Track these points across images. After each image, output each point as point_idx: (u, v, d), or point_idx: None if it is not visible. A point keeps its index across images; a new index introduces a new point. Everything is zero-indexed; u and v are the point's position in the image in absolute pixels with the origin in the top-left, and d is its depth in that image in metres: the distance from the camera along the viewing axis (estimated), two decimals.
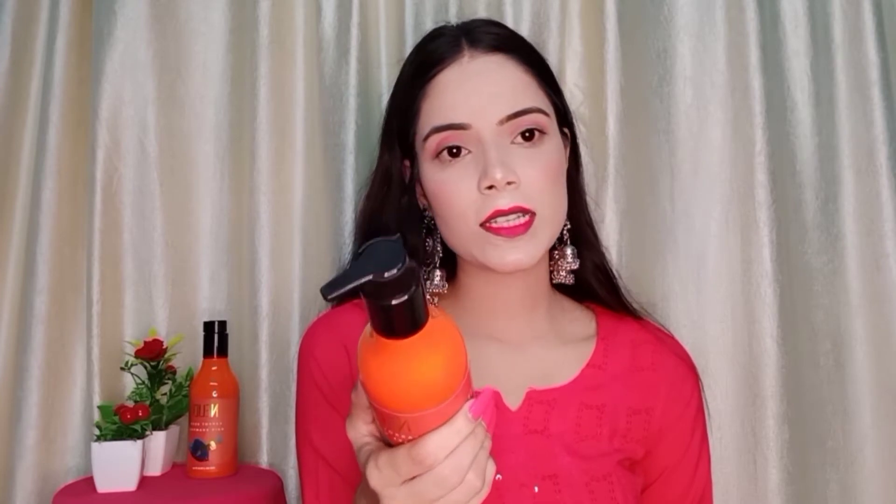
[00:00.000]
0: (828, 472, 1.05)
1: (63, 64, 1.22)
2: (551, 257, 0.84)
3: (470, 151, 0.75)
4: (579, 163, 0.87)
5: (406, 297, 0.44)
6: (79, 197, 1.23)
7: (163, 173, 1.25)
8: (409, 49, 1.20)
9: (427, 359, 0.48)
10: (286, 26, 1.22)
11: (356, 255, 0.46)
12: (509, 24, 1.14)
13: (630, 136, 1.15)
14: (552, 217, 0.76)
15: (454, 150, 0.75)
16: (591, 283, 0.85)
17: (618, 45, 1.15)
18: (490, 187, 0.72)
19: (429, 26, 1.21)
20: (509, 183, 0.72)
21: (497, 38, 0.79)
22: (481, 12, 1.19)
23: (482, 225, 0.73)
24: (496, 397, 0.76)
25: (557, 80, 0.84)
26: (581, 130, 1.15)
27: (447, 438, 0.50)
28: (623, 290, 0.88)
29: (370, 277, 0.43)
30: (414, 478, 0.50)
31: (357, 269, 0.43)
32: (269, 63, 1.20)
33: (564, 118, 0.83)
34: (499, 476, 0.74)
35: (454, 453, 0.50)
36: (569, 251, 0.82)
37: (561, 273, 0.83)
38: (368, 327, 0.49)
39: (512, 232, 0.73)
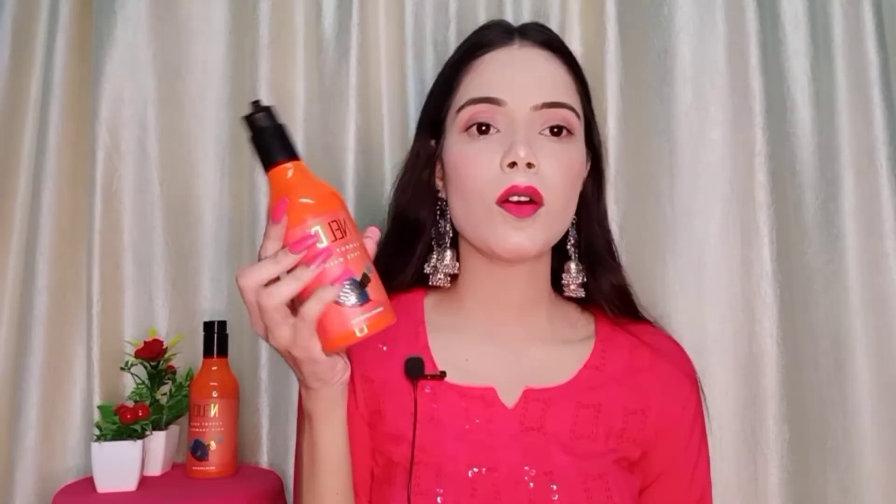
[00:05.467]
0: (828, 472, 1.05)
1: (63, 64, 1.22)
2: (561, 272, 0.84)
3: (499, 130, 0.76)
4: (602, 184, 0.86)
5: (268, 125, 0.65)
6: (79, 197, 1.23)
7: (163, 173, 1.25)
8: (409, 49, 1.21)
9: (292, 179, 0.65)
10: (286, 26, 1.22)
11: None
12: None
13: (630, 136, 1.15)
14: (559, 213, 0.77)
15: (483, 128, 0.77)
16: (602, 303, 0.85)
17: (618, 45, 1.15)
18: (512, 165, 0.74)
19: (429, 26, 1.21)
20: (530, 165, 0.74)
21: (548, 37, 0.82)
22: (481, 12, 1.19)
23: (496, 203, 0.74)
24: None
25: None
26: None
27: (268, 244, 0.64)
28: (640, 309, 0.87)
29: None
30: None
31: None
32: (269, 63, 1.20)
33: (591, 135, 0.84)
34: (496, 472, 0.75)
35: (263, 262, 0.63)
36: (573, 266, 0.83)
37: (571, 287, 0.83)
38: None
39: (520, 211, 0.74)
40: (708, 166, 1.13)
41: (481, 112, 0.77)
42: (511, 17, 1.16)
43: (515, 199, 0.74)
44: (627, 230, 1.15)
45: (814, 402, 1.07)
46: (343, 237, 0.64)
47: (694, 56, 1.14)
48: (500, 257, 0.76)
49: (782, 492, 1.08)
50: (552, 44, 0.81)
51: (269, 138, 0.65)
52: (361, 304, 0.64)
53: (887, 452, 1.03)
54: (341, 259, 0.64)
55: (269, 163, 0.65)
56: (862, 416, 1.04)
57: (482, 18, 1.18)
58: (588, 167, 0.84)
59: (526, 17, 1.17)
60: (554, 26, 1.16)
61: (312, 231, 0.63)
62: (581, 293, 0.83)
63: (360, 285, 0.64)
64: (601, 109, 1.16)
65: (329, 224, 0.64)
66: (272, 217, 0.64)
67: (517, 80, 0.77)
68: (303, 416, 0.75)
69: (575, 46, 1.19)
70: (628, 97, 1.15)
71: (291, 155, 0.65)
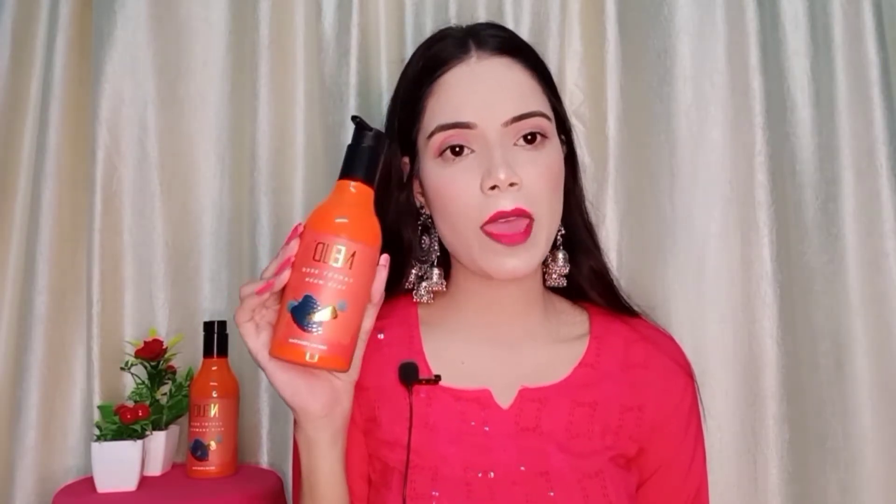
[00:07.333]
0: (828, 472, 1.05)
1: (63, 64, 1.22)
2: (544, 262, 0.84)
3: (473, 151, 0.76)
4: (577, 169, 0.87)
5: (370, 145, 0.70)
6: (79, 197, 1.23)
7: (163, 173, 1.25)
8: (409, 49, 1.21)
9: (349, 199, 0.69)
10: (286, 26, 1.22)
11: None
12: (509, 24, 1.14)
13: (630, 136, 1.15)
14: (549, 222, 0.77)
15: (457, 149, 0.76)
16: (585, 288, 0.86)
17: (618, 45, 1.15)
18: (493, 188, 0.73)
19: (429, 26, 1.21)
20: (512, 184, 0.73)
21: (504, 41, 0.80)
22: (481, 12, 1.19)
23: (483, 228, 0.74)
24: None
25: (557, 82, 0.85)
26: (581, 130, 1.15)
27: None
28: (623, 296, 0.87)
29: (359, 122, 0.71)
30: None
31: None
32: (269, 63, 1.20)
33: (563, 125, 0.84)
34: (491, 474, 0.75)
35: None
36: (560, 256, 0.83)
37: (553, 276, 0.84)
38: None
39: (511, 240, 0.74)
40: (708, 166, 1.13)
41: (452, 137, 0.76)
42: (511, 18, 1.16)
43: (504, 225, 0.73)
44: (627, 230, 1.15)
45: (814, 402, 1.07)
46: (346, 268, 0.65)
47: (694, 56, 1.14)
48: (497, 280, 0.77)
49: (782, 492, 1.08)
50: (508, 47, 0.79)
51: (361, 154, 0.70)
52: (304, 329, 0.64)
53: (887, 452, 1.03)
54: (321, 281, 0.64)
55: (345, 173, 0.70)
56: (862, 416, 1.04)
57: (482, 18, 1.17)
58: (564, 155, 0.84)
59: (526, 17, 1.17)
60: (554, 26, 1.17)
61: (329, 245, 0.65)
62: (563, 282, 0.84)
63: (314, 310, 0.64)
64: (601, 109, 1.16)
65: (346, 249, 0.65)
66: (288, 236, 0.68)
67: (483, 100, 0.76)
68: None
69: (575, 46, 1.19)
70: (628, 97, 1.15)
71: (366, 179, 0.69)
